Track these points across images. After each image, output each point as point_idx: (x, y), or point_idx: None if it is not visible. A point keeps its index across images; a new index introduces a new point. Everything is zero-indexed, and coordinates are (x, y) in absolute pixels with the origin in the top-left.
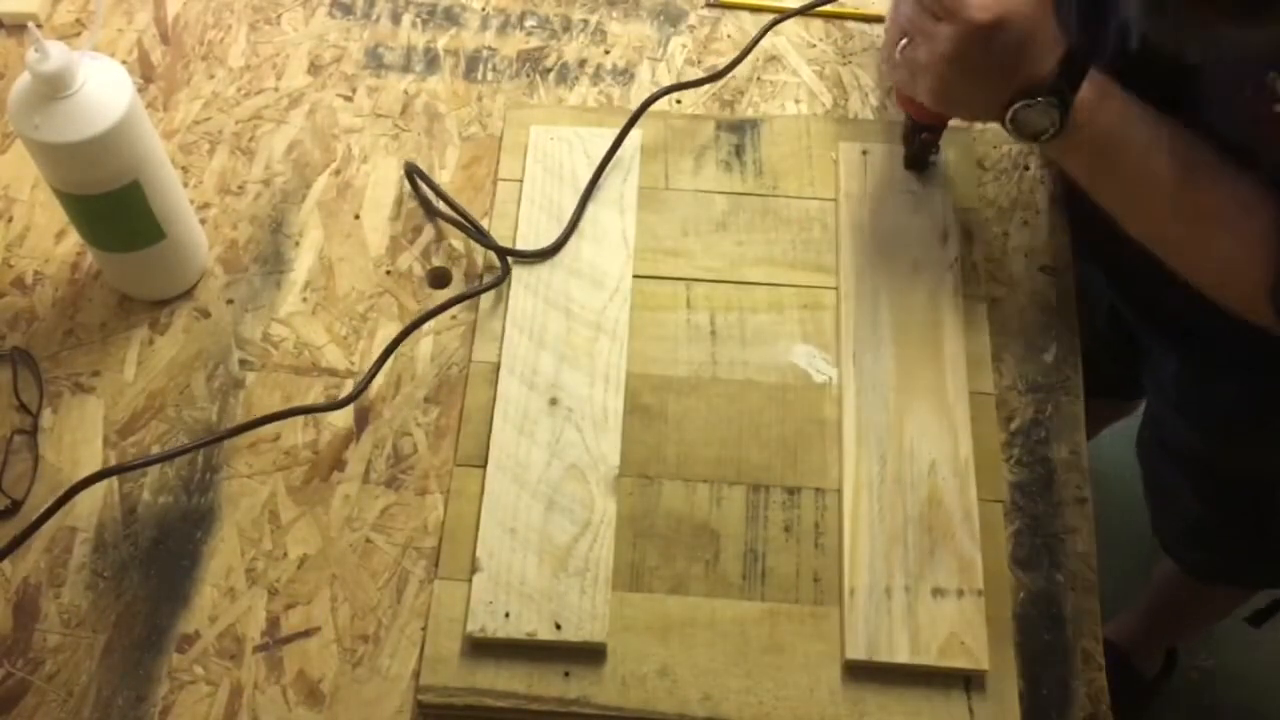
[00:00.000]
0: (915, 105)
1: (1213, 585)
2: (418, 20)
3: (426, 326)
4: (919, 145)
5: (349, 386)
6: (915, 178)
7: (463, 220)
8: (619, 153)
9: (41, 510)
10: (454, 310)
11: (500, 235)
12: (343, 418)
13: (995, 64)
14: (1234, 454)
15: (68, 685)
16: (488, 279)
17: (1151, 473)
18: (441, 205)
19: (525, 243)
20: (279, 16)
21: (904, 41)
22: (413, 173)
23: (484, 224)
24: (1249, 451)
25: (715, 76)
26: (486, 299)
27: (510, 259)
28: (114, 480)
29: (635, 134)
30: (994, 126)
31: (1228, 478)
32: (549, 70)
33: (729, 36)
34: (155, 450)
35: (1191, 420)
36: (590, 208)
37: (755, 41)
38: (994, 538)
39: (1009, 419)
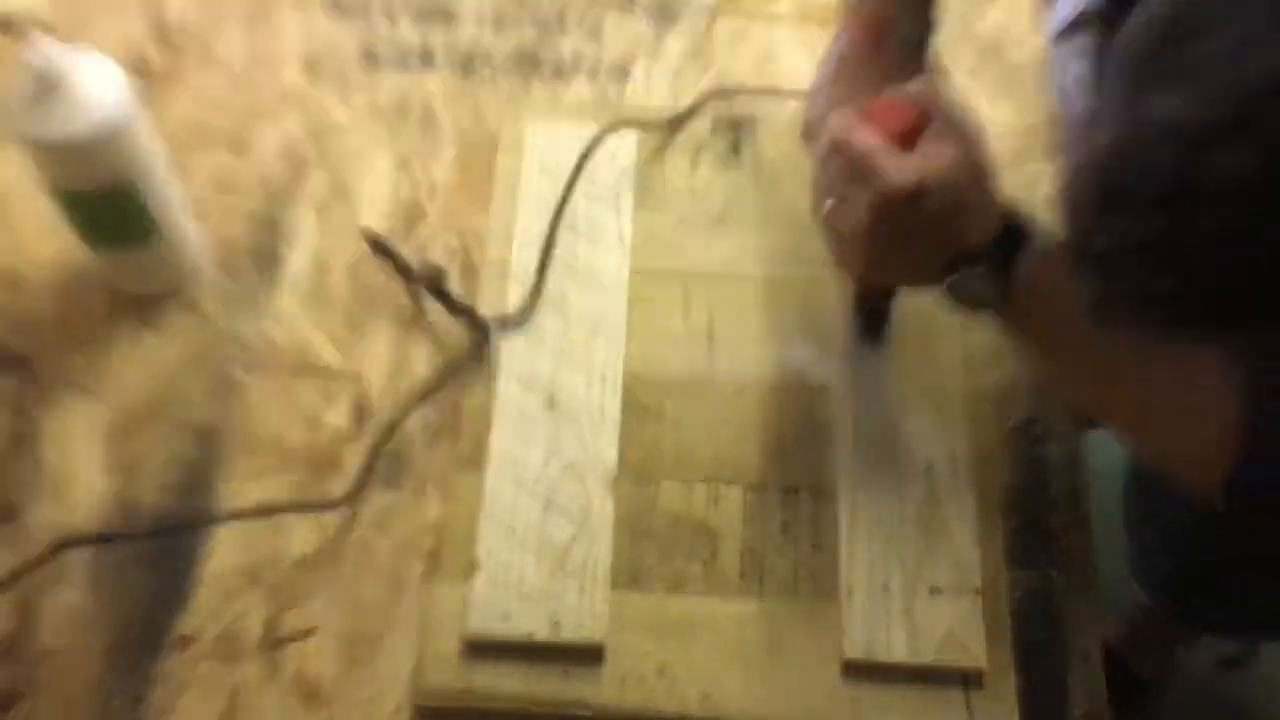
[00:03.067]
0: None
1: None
2: (413, 18)
3: (424, 324)
4: (866, 316)
5: (345, 385)
6: None
7: (437, 292)
8: (615, 151)
9: (28, 555)
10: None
11: (497, 234)
12: (340, 417)
13: (920, 233)
14: (1207, 529)
15: (66, 687)
16: (470, 348)
17: (1132, 519)
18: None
19: (522, 239)
20: (274, 15)
21: (829, 203)
22: (377, 246)
23: (481, 222)
24: (1223, 528)
25: (676, 120)
26: (482, 296)
27: (491, 331)
28: (113, 480)
29: (632, 132)
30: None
31: (1202, 546)
32: (545, 68)
33: (725, 34)
34: (152, 450)
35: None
36: (586, 205)
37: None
38: (991, 536)
39: (1006, 417)
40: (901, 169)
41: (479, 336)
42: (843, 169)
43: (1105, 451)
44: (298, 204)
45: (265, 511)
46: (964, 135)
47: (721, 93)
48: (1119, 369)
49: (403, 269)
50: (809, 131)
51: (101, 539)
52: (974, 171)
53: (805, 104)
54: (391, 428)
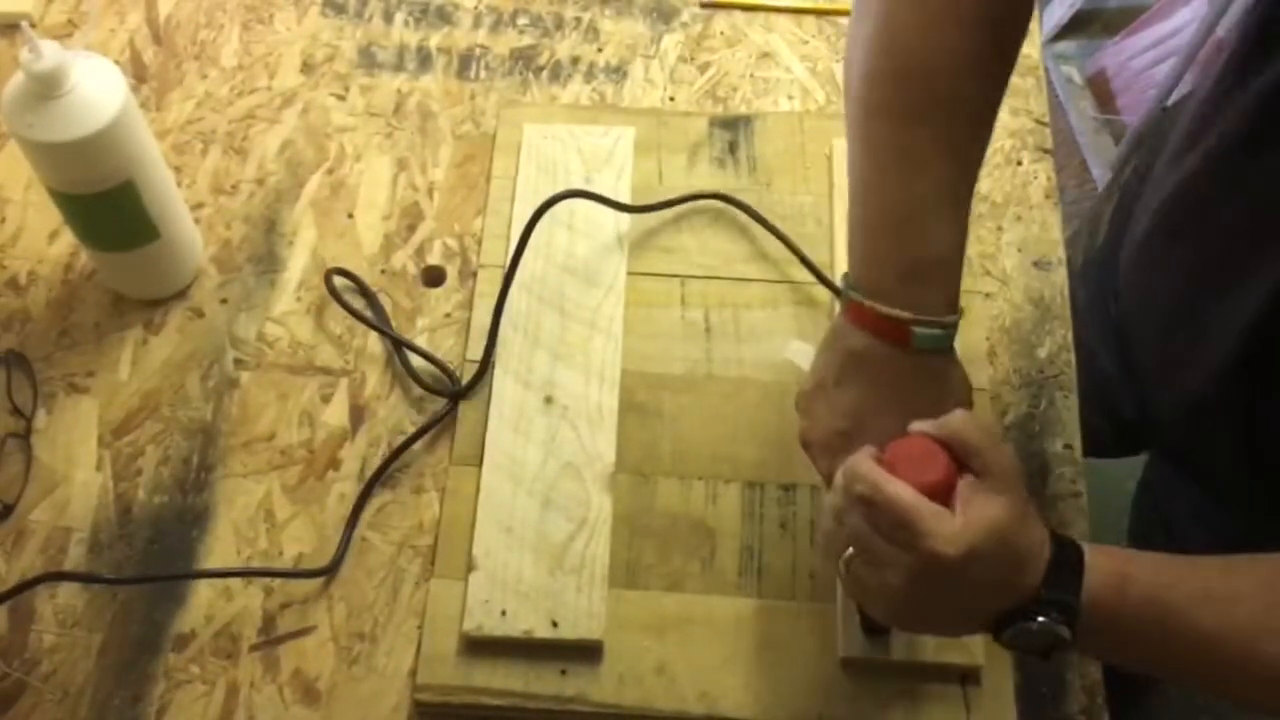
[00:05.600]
0: None
1: None
2: (410, 19)
3: (421, 325)
4: (871, 622)
5: (343, 385)
6: None
7: (397, 341)
8: (612, 150)
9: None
10: (448, 309)
11: (494, 233)
12: (337, 416)
13: (967, 595)
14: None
15: (64, 685)
16: (434, 413)
17: (1140, 532)
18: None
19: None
20: (271, 16)
21: (849, 552)
22: (334, 288)
23: (478, 223)
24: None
25: (643, 208)
26: (479, 294)
27: (460, 399)
28: (109, 480)
29: (629, 131)
30: None
31: None
32: (542, 68)
33: (721, 34)
34: (149, 449)
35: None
36: (584, 204)
37: (688, 198)
38: None
39: (1003, 413)
40: (949, 535)
41: (447, 401)
42: (874, 525)
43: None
44: (296, 205)
45: (248, 574)
46: (1008, 478)
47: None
48: (1235, 653)
49: (361, 319)
50: (812, 437)
51: (88, 579)
52: (1022, 518)
53: (803, 400)
54: (369, 485)
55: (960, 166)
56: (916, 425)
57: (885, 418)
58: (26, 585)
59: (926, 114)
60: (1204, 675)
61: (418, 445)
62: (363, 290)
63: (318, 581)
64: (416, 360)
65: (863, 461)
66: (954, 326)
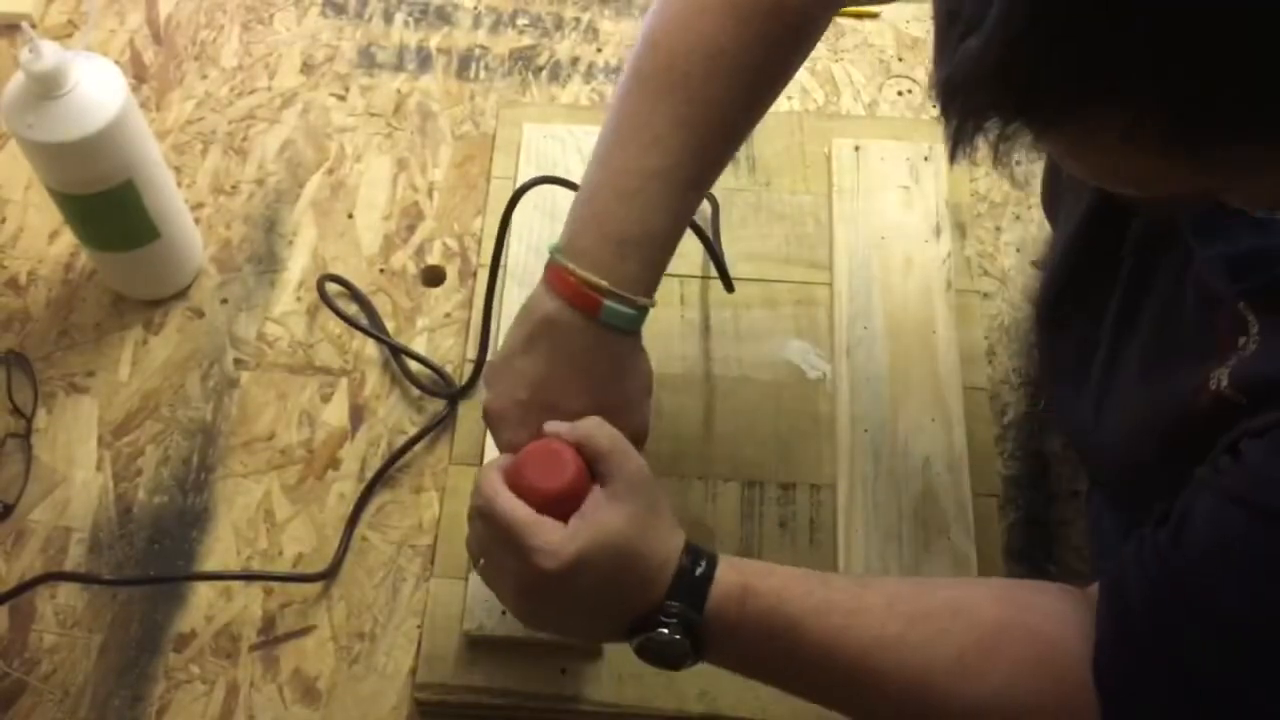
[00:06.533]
0: None
1: None
2: (410, 19)
3: (421, 325)
4: None
5: (342, 385)
6: (909, 171)
7: (393, 347)
8: None
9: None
10: (448, 309)
11: (494, 233)
12: (337, 416)
13: (584, 604)
14: None
15: (64, 685)
16: (435, 414)
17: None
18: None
19: (520, 240)
20: (271, 16)
21: (482, 561)
22: (326, 296)
23: (478, 222)
24: None
25: None
26: (478, 293)
27: (458, 400)
28: (109, 480)
29: None
30: None
31: None
32: (541, 68)
33: None
34: (149, 449)
35: None
36: None
37: None
38: (988, 531)
39: (1002, 412)
40: (551, 550)
41: (447, 404)
42: (492, 535)
43: None
44: (296, 205)
45: (247, 578)
46: (635, 487)
47: None
48: (847, 661)
49: (356, 325)
50: (492, 408)
51: (87, 579)
52: (645, 529)
53: (489, 370)
54: (370, 486)
55: (699, 151)
56: (551, 427)
57: (564, 392)
58: (27, 586)
59: (674, 92)
60: (824, 689)
61: (418, 445)
62: (356, 295)
63: (316, 583)
64: (415, 360)
65: (487, 471)
66: (644, 311)
